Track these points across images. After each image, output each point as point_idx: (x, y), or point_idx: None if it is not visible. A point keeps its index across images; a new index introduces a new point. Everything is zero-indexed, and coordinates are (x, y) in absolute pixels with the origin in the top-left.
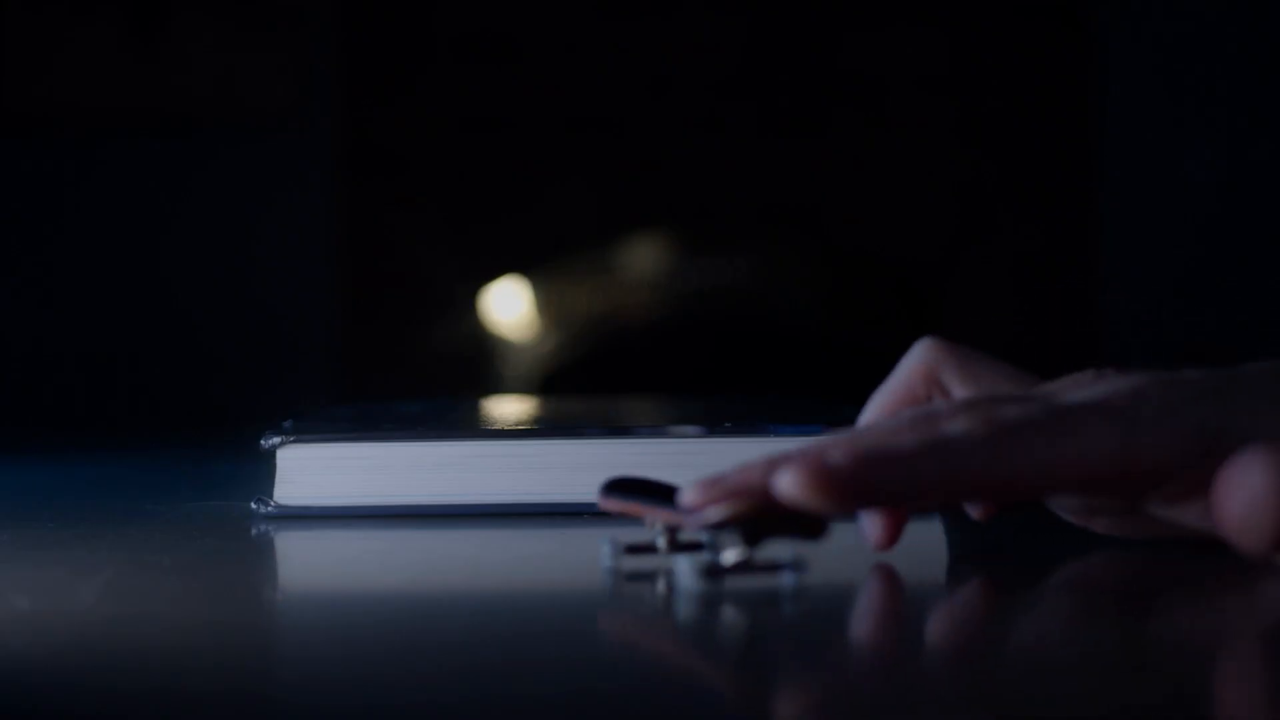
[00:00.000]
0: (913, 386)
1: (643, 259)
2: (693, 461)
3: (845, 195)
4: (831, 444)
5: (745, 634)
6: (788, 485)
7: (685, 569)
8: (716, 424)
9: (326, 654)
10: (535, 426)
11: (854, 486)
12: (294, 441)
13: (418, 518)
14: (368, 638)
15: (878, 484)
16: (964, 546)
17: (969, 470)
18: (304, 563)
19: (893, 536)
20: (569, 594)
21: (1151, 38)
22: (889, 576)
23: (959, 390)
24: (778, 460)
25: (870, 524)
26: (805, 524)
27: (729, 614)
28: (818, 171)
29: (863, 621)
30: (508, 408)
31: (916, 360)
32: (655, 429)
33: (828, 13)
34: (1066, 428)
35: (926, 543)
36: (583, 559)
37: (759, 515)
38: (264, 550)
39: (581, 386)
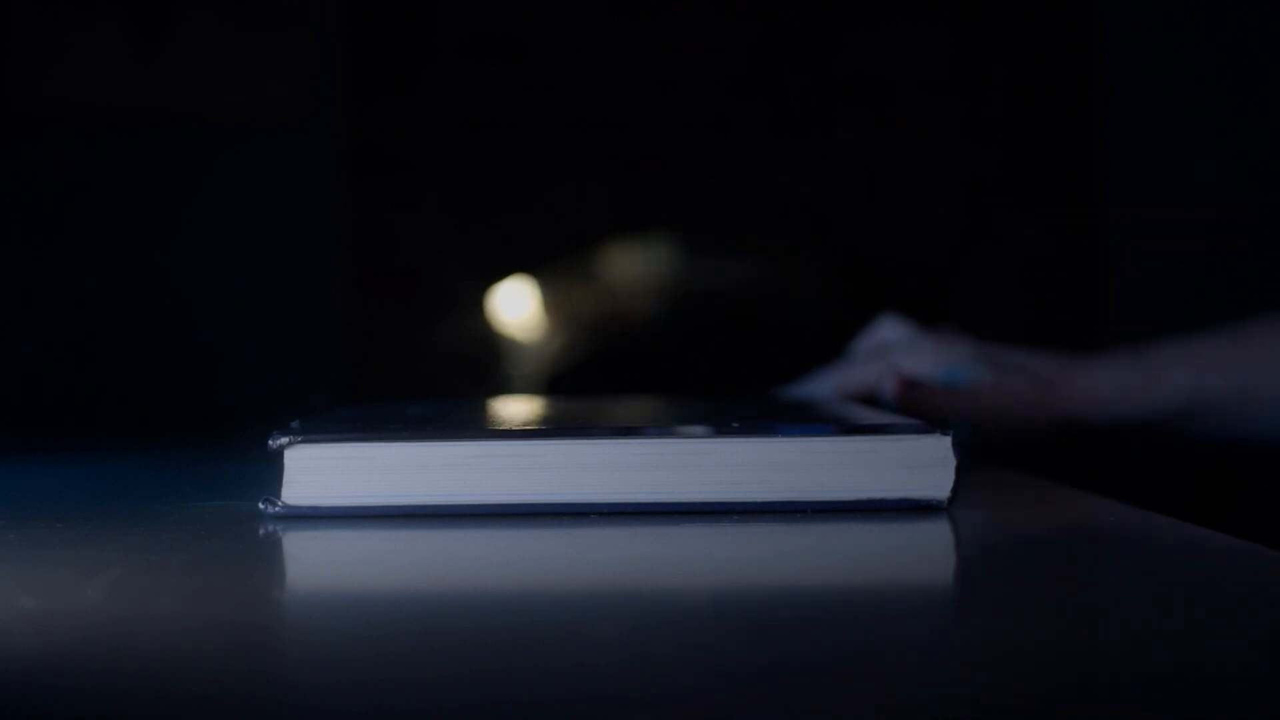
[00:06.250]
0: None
1: (649, 259)
2: (700, 462)
3: (852, 196)
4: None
5: (748, 636)
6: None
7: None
8: (724, 424)
9: (334, 655)
10: (543, 427)
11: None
12: (301, 442)
13: (425, 518)
14: (376, 638)
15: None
16: (968, 544)
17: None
18: (311, 563)
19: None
20: (576, 594)
21: (1156, 36)
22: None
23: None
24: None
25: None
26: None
27: (741, 619)
28: (824, 172)
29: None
30: (515, 408)
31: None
32: (663, 429)
33: (833, 14)
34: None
35: (929, 542)
36: (590, 559)
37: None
38: (271, 550)
39: (588, 386)
